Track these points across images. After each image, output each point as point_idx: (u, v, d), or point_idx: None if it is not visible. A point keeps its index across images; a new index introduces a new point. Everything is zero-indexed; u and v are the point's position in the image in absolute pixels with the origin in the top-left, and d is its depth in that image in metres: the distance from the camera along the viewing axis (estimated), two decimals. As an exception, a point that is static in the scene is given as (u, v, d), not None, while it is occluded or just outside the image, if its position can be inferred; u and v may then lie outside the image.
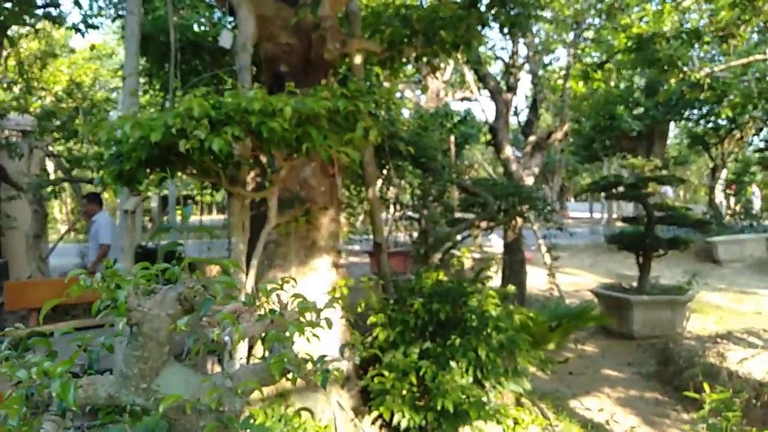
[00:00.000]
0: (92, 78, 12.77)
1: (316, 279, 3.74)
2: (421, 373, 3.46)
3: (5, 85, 11.13)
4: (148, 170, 2.49)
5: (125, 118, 2.31)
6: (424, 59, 4.92)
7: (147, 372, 1.55)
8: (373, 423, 3.82)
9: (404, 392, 3.46)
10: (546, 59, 12.98)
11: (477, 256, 11.40)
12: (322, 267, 3.76)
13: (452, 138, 12.66)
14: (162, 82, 6.26)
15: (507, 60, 9.72)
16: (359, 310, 3.65)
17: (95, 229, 6.49)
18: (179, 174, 2.73)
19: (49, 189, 10.22)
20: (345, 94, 2.63)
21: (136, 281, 1.55)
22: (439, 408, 3.21)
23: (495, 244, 12.73)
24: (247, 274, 3.16)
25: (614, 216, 21.76)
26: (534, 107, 9.99)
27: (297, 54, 3.65)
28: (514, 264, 9.16)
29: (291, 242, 3.74)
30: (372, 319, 3.68)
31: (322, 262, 3.75)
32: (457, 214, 8.03)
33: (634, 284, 7.84)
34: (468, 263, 9.77)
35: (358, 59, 4.12)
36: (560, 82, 12.73)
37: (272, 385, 1.82)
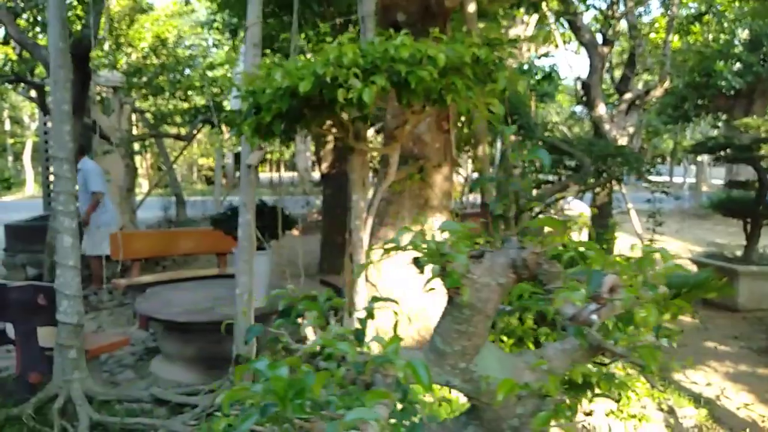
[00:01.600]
0: (176, 35, 12.96)
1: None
2: (542, 340, 3.32)
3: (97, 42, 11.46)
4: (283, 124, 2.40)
5: (274, 66, 2.22)
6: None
7: (469, 350, 1.37)
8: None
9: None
10: (639, 11, 12.12)
11: (560, 218, 11.03)
12: (435, 226, 3.63)
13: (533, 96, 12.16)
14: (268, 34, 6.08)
15: (604, 10, 9.09)
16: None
17: (82, 178, 6.32)
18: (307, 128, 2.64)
19: (138, 144, 10.57)
20: (488, 43, 2.44)
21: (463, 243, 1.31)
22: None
23: (576, 207, 12.25)
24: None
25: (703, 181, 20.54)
26: (631, 62, 9.36)
27: (415, 1, 3.45)
28: (602, 229, 8.79)
29: (403, 201, 3.63)
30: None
31: (435, 221, 3.63)
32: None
33: (738, 253, 7.33)
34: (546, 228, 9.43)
35: (471, 7, 3.88)
36: (653, 35, 11.89)
37: (581, 365, 1.58)
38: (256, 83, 2.28)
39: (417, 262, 1.35)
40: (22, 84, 9.21)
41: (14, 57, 8.55)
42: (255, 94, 2.28)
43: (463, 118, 3.79)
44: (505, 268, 1.31)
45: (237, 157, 23.76)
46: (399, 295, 3.69)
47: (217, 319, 4.42)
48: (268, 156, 27.13)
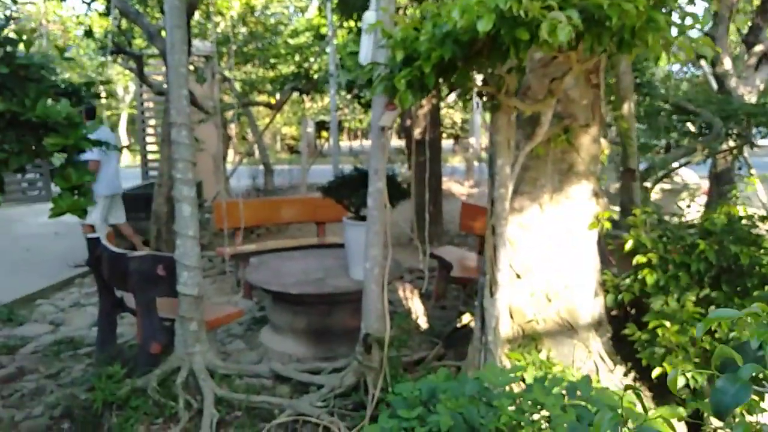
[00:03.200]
0: (263, 2, 12.85)
1: (572, 209, 3.22)
2: (713, 328, 2.87)
3: (186, 12, 11.52)
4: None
5: (445, 5, 1.89)
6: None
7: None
8: (626, 374, 3.34)
9: (689, 348, 2.90)
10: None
11: (667, 187, 10.16)
12: (580, 195, 3.22)
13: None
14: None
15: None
16: (628, 247, 3.10)
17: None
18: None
19: (231, 113, 10.63)
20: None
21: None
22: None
23: (685, 174, 11.26)
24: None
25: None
26: (764, 9, 8.27)
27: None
28: (723, 197, 7.95)
29: (543, 166, 3.22)
30: (640, 258, 3.11)
31: (580, 189, 3.21)
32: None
33: None
34: (654, 195, 8.69)
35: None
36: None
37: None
38: (409, 30, 1.96)
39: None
40: (121, 56, 9.37)
41: (113, 29, 8.68)
42: (409, 41, 1.96)
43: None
44: None
45: (318, 125, 23.80)
46: (537, 272, 3.35)
47: (329, 291, 4.25)
48: (345, 124, 27.08)
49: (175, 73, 3.29)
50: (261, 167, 13.76)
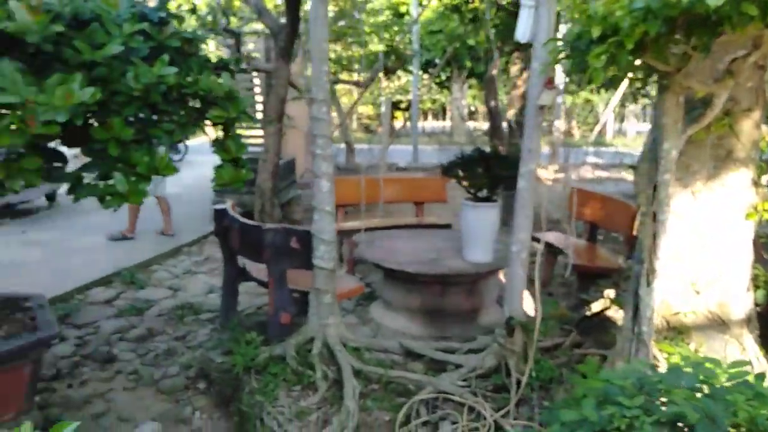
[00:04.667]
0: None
1: (727, 197, 3.05)
2: None
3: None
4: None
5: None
6: None
7: None
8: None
9: None
10: None
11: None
12: (738, 183, 3.04)
13: None
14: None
15: None
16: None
17: None
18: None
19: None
20: None
21: None
22: None
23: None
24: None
25: None
26: None
27: None
28: None
29: (697, 151, 3.06)
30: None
31: (737, 176, 3.03)
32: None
33: None
34: None
35: None
36: None
37: None
38: (611, 6, 1.88)
39: None
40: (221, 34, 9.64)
41: (216, 6, 8.91)
42: (609, 17, 1.88)
43: None
44: None
45: (393, 105, 23.71)
46: (687, 262, 3.21)
47: (445, 272, 4.24)
48: (419, 105, 26.86)
49: (317, 48, 3.32)
50: (342, 146, 13.93)
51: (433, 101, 30.93)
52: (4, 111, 1.96)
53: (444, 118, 34.33)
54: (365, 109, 26.40)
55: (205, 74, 2.76)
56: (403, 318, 4.44)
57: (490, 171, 4.27)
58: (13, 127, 1.95)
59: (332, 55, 12.87)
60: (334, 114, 15.43)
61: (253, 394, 3.21)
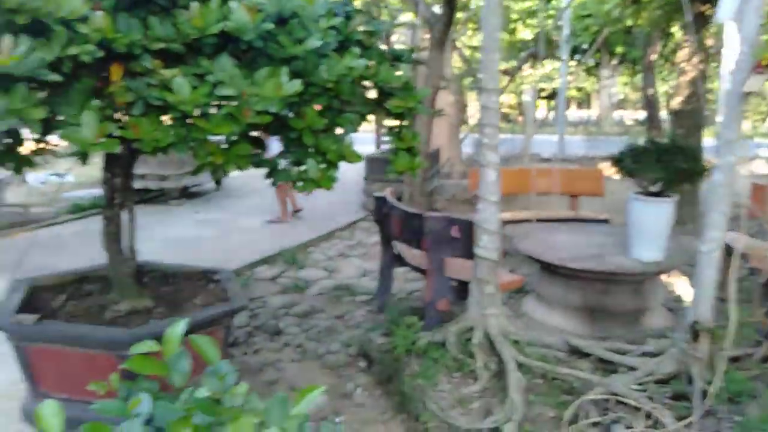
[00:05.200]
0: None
1: None
2: None
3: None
4: None
5: None
6: None
7: None
8: None
9: None
10: None
11: None
12: None
13: None
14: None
15: None
16: None
17: None
18: None
19: (468, 80, 10.73)
20: None
21: None
22: None
23: None
24: None
25: None
26: None
27: None
28: None
29: None
30: None
31: None
32: None
33: None
34: None
35: None
36: None
37: None
38: None
39: None
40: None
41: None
42: None
43: None
44: None
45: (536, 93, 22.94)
46: None
47: (611, 270, 4.03)
48: (573, 92, 25.67)
49: (489, 38, 3.30)
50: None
51: (578, 89, 29.44)
52: (223, 102, 2.19)
53: (589, 107, 32.57)
54: (504, 98, 25.83)
55: (383, 65, 2.85)
56: (559, 315, 4.31)
57: (669, 163, 3.97)
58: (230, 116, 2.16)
59: (478, 43, 12.73)
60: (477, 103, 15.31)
61: (414, 377, 3.30)
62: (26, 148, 2.16)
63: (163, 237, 6.71)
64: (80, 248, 6.52)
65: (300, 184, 2.52)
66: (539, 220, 5.84)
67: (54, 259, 5.88)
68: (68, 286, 3.24)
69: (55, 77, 1.80)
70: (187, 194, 9.39)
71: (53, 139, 2.44)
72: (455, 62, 12.77)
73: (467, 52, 13.12)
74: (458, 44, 13.20)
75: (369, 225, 7.84)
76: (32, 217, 7.85)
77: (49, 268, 5.52)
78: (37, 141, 2.25)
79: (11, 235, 7.08)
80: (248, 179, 6.96)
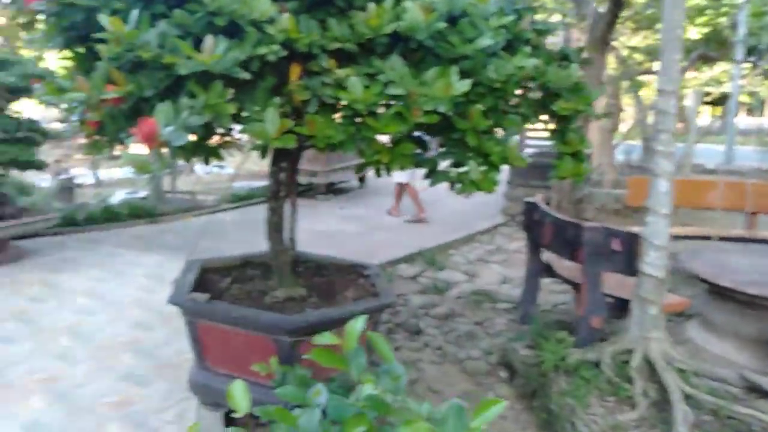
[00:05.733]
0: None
1: None
2: None
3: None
4: None
5: None
6: None
7: None
8: None
9: None
10: None
11: None
12: None
13: None
14: None
15: None
16: None
17: None
18: None
19: (628, 83, 10.02)
20: None
21: None
22: None
23: None
24: None
25: None
26: None
27: None
28: None
29: None
30: None
31: None
32: None
33: None
34: None
35: None
36: None
37: None
38: None
39: None
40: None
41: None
42: None
43: None
44: None
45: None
46: None
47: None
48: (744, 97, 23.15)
49: (669, 35, 3.01)
50: (638, 142, 12.79)
51: (750, 94, 26.39)
52: (391, 102, 2.20)
53: (762, 114, 29.07)
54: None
55: (551, 65, 2.71)
56: (730, 345, 3.83)
57: None
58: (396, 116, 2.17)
59: (637, 44, 11.89)
60: (632, 107, 14.26)
61: (563, 395, 3.12)
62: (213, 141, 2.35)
63: (310, 229, 7.05)
64: (238, 234, 7.09)
65: (458, 186, 2.47)
66: (722, 239, 5.25)
67: (217, 243, 6.45)
68: (233, 270, 3.50)
69: (245, 75, 1.92)
70: (333, 190, 9.82)
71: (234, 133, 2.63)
72: (611, 63, 12.01)
73: (625, 53, 12.28)
74: (615, 44, 12.40)
75: (510, 231, 7.63)
76: (198, 203, 8.67)
77: (214, 250, 6.07)
78: (222, 135, 2.44)
79: (183, 219, 7.88)
80: (389, 179, 7.11)
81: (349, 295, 3.25)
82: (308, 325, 2.71)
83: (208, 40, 1.79)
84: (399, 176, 8.17)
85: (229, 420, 2.98)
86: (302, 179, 9.31)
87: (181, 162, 2.71)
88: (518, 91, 2.76)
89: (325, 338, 1.23)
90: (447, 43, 2.31)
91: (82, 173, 9.84)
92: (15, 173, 6.56)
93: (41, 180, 9.98)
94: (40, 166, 5.95)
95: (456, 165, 2.51)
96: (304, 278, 3.45)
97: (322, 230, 7.31)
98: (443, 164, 2.62)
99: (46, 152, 12.08)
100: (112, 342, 4.05)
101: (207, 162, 2.27)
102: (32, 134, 5.84)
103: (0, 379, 3.51)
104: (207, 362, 2.99)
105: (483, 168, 2.44)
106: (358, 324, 1.23)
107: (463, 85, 2.10)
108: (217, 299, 3.02)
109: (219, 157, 2.27)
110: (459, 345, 4.24)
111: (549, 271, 4.38)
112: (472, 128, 2.38)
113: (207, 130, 2.08)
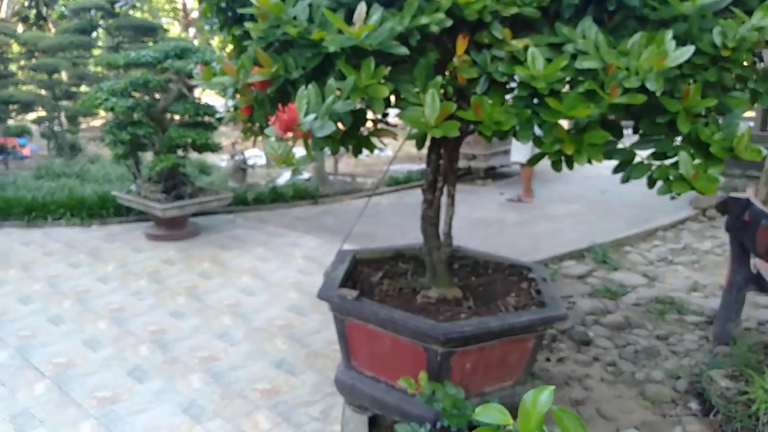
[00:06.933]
0: None
1: None
2: None
3: None
4: None
5: None
6: None
7: None
8: None
9: None
10: None
11: None
12: None
13: None
14: None
15: None
16: None
17: None
18: None
19: None
20: None
21: None
22: None
23: None
24: None
25: None
26: None
27: None
28: None
29: None
30: None
31: None
32: None
33: None
34: None
35: None
36: None
37: None
38: None
39: None
40: None
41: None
42: None
43: None
44: None
45: None
46: None
47: None
48: None
49: None
50: None
51: None
52: (580, 78, 1.76)
53: None
54: None
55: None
56: None
57: None
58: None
59: None
60: None
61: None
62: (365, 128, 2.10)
63: (468, 217, 6.70)
64: (393, 218, 6.97)
65: (660, 184, 1.95)
66: None
67: (374, 227, 6.38)
68: (385, 263, 3.28)
69: (402, 50, 1.62)
70: (493, 175, 9.33)
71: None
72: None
73: None
74: None
75: (700, 227, 6.58)
76: (358, 185, 8.74)
77: (369, 234, 6.00)
78: (375, 121, 2.18)
79: (343, 200, 8.00)
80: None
81: (510, 301, 2.86)
82: (463, 337, 2.40)
83: (360, 9, 1.51)
84: (518, 155, 7.62)
85: (372, 423, 2.80)
86: (460, 163, 8.94)
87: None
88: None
89: (492, 414, 0.89)
90: (656, 2, 1.80)
91: (255, 154, 10.46)
92: (195, 155, 7.06)
93: (221, 160, 10.82)
94: (215, 148, 6.30)
95: (659, 156, 1.99)
96: (459, 277, 3.13)
97: (479, 218, 6.92)
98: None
99: (225, 134, 13.15)
100: (268, 325, 4.10)
101: (356, 154, 2.02)
102: (209, 119, 6.20)
103: (168, 353, 3.70)
104: (354, 362, 2.81)
105: (697, 161, 1.89)
106: (542, 398, 0.86)
107: (684, 54, 1.60)
108: (367, 294, 2.82)
109: (371, 147, 2.02)
110: (636, 363, 3.64)
111: (759, 283, 3.58)
112: (685, 110, 1.85)
113: (357, 117, 1.82)
